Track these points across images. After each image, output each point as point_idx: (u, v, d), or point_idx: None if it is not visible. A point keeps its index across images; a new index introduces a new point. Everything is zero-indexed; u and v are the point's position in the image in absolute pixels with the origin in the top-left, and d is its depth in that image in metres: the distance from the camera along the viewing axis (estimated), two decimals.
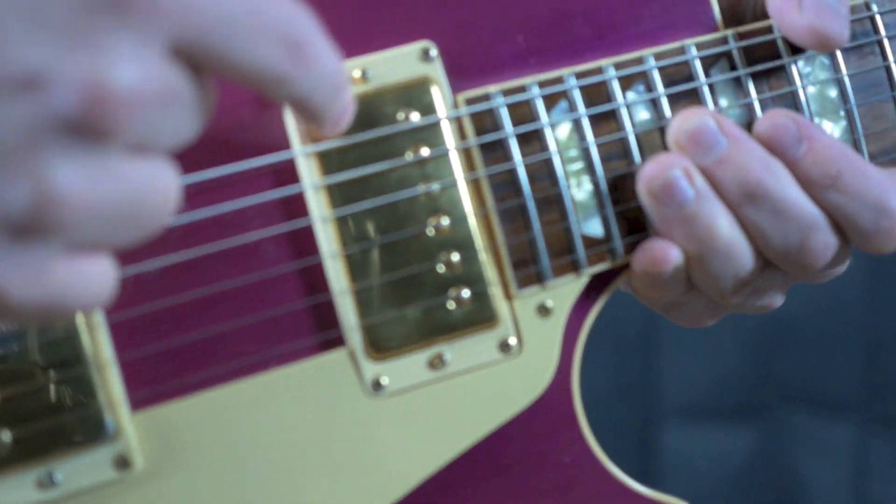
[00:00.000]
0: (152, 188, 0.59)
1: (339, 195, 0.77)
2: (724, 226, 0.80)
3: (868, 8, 0.86)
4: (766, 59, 0.84)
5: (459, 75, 0.80)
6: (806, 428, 1.55)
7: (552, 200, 0.80)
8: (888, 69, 0.86)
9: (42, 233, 0.56)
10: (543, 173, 0.80)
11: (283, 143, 0.77)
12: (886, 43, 0.86)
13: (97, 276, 0.59)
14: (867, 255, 0.87)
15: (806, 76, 0.85)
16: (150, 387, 0.75)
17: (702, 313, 0.93)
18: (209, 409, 0.76)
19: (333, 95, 0.66)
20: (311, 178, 0.77)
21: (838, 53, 0.85)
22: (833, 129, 0.85)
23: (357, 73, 0.78)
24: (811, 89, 0.85)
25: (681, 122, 0.80)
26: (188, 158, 0.75)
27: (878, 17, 0.86)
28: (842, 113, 0.85)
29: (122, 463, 0.74)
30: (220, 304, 0.76)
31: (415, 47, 0.79)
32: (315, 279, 0.78)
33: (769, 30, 0.84)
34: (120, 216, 0.58)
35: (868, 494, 1.56)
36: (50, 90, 0.55)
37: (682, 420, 1.54)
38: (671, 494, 1.62)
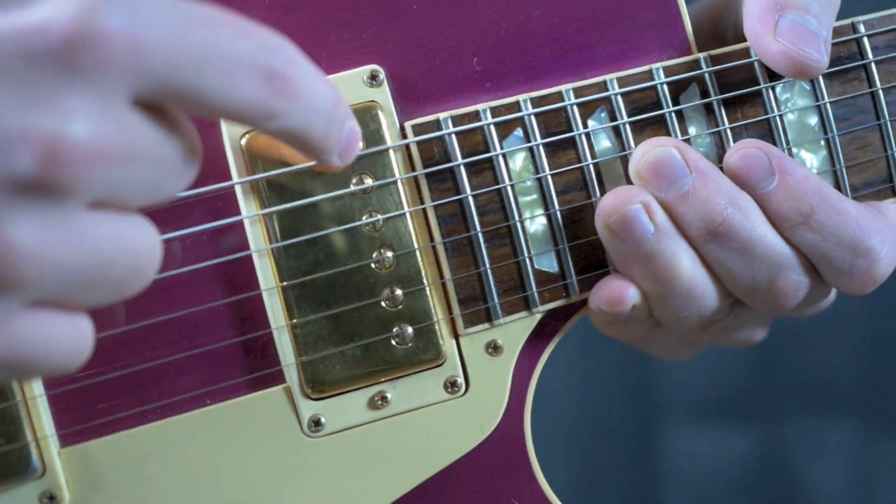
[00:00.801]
0: (122, 247, 0.58)
1: (278, 227, 0.74)
2: (686, 264, 0.75)
3: (854, 30, 0.80)
4: (741, 85, 0.79)
5: (409, 101, 0.76)
6: (807, 429, 1.52)
7: (503, 234, 0.76)
8: (874, 95, 0.80)
9: (1, 288, 0.55)
10: (495, 205, 0.76)
11: (225, 172, 0.74)
12: (874, 67, 0.80)
13: (65, 334, 0.58)
14: None
15: (784, 103, 0.79)
16: (80, 422, 0.73)
17: (675, 348, 0.89)
18: (141, 446, 0.74)
19: (330, 126, 0.63)
20: (249, 209, 0.74)
21: (820, 78, 0.79)
22: (812, 159, 0.80)
23: None
24: (790, 116, 0.79)
25: (643, 153, 0.76)
26: None
27: (865, 40, 0.80)
28: (822, 142, 0.80)
29: (50, 499, 0.72)
30: (154, 338, 0.74)
31: (361, 71, 0.75)
32: (253, 313, 0.75)
33: (746, 53, 0.79)
34: (85, 275, 0.57)
35: (870, 496, 1.52)
36: (3, 150, 0.53)
37: (681, 421, 1.52)
38: (671, 495, 1.59)
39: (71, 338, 0.58)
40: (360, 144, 0.73)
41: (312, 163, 0.73)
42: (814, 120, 0.80)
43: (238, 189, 0.74)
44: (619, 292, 0.76)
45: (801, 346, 1.43)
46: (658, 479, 1.52)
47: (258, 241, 0.74)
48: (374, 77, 0.75)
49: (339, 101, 0.64)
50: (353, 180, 0.75)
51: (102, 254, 0.57)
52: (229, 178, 0.74)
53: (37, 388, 0.72)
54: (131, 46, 0.55)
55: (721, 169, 0.77)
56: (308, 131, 0.63)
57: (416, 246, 0.75)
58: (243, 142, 0.74)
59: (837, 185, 0.80)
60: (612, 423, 1.53)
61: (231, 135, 0.74)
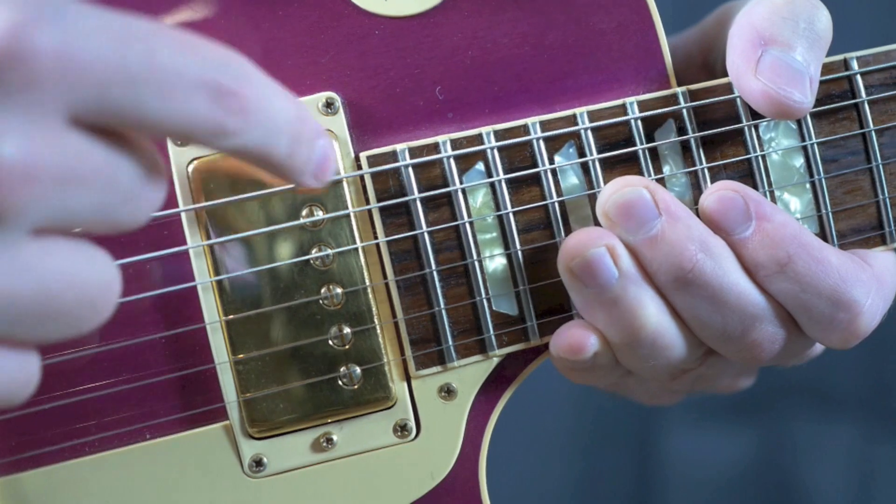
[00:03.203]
0: (70, 278, 0.54)
1: (224, 258, 0.71)
2: (652, 312, 0.71)
3: (847, 66, 0.75)
4: (722, 122, 0.74)
5: (366, 130, 0.73)
6: (807, 429, 1.48)
7: (460, 273, 0.73)
8: (866, 137, 0.75)
9: None
10: (452, 243, 0.72)
11: (171, 200, 0.71)
12: (866, 107, 0.75)
13: (8, 371, 0.55)
14: None
15: (767, 142, 0.75)
16: (15, 452, 0.71)
17: (654, 395, 0.85)
18: (77, 478, 0.71)
19: (295, 144, 0.60)
20: (194, 239, 0.71)
21: (807, 117, 0.75)
22: (796, 202, 0.75)
23: None
24: (773, 157, 0.75)
25: (611, 192, 0.71)
26: None
27: (857, 78, 0.75)
28: (807, 185, 0.75)
29: None
30: (94, 369, 0.71)
31: (316, 98, 0.72)
32: (196, 348, 0.72)
33: (728, 88, 0.74)
34: (28, 309, 0.53)
35: (870, 496, 1.48)
36: None
37: (681, 421, 1.49)
38: (671, 495, 1.55)
39: (14, 374, 0.55)
40: (337, 164, 0.69)
41: (263, 192, 0.71)
42: (799, 161, 0.75)
43: (184, 218, 0.71)
44: (579, 340, 0.71)
45: None
46: (658, 480, 1.49)
47: (203, 273, 0.71)
48: (329, 104, 0.72)
49: (305, 118, 0.61)
50: (304, 212, 0.72)
51: (47, 285, 0.54)
52: (175, 206, 0.71)
53: None
54: (64, 64, 0.52)
55: (696, 212, 0.72)
56: (269, 150, 0.59)
57: (366, 283, 0.72)
58: (190, 168, 0.71)
59: (823, 231, 0.75)
60: (613, 422, 1.50)
61: (178, 161, 0.71)
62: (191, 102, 0.55)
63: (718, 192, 0.72)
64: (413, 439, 0.73)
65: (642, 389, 0.84)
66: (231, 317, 0.71)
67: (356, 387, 0.72)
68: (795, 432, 1.48)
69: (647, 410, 1.50)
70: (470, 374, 0.73)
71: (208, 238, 0.71)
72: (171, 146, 0.71)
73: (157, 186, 0.57)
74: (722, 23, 0.78)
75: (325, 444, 0.72)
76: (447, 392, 0.73)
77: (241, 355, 0.71)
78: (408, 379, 0.73)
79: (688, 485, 1.49)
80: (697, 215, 0.72)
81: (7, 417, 0.71)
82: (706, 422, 1.49)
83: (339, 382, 0.72)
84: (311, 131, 0.62)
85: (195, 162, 0.71)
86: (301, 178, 0.62)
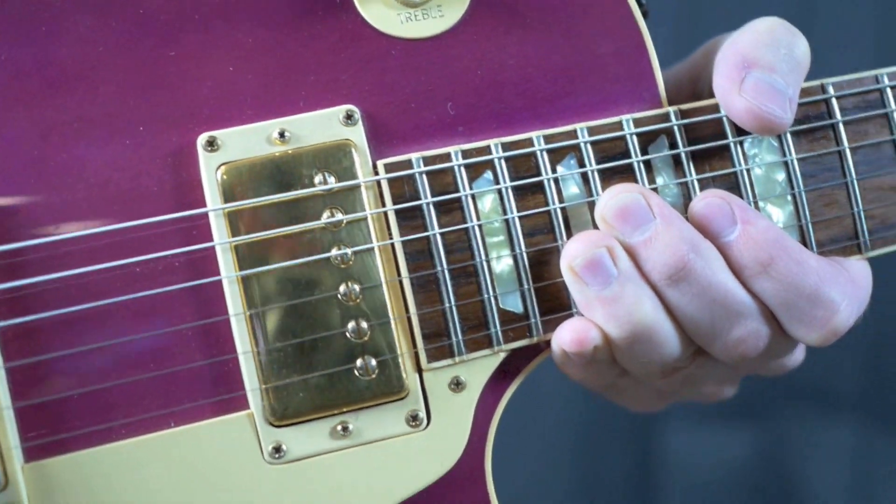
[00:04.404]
0: None
1: (248, 255, 0.76)
2: (648, 309, 0.76)
3: (823, 91, 0.82)
4: (710, 139, 0.81)
5: (383, 141, 0.79)
6: (807, 429, 1.51)
7: (469, 273, 0.78)
8: (842, 154, 0.82)
9: None
10: (462, 244, 0.78)
11: (200, 201, 0.77)
12: (841, 128, 0.82)
13: None
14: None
15: (752, 158, 0.81)
16: (45, 437, 0.75)
17: (645, 399, 0.90)
18: (103, 464, 0.75)
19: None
20: (221, 237, 0.76)
21: (788, 136, 0.81)
22: (778, 213, 0.81)
23: (275, 133, 0.77)
24: (757, 171, 0.81)
25: (609, 198, 0.77)
26: (99, 211, 0.76)
27: (833, 101, 0.82)
28: (788, 197, 0.81)
29: None
30: (121, 358, 0.76)
31: (338, 110, 0.78)
32: (220, 339, 0.76)
33: (716, 108, 0.81)
34: None
35: (870, 496, 1.50)
36: None
37: (681, 420, 1.51)
38: (671, 494, 1.55)
39: None
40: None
41: (287, 194, 0.76)
42: (781, 175, 0.81)
43: (211, 217, 0.76)
44: (580, 334, 0.77)
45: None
46: (658, 479, 1.51)
47: (228, 268, 0.76)
48: (349, 116, 0.78)
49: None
50: (325, 214, 0.77)
51: None
52: (204, 206, 0.76)
53: (3, 401, 0.73)
54: None
55: (686, 218, 0.78)
56: None
57: (382, 280, 0.77)
58: (219, 172, 0.76)
59: (803, 240, 0.81)
60: (613, 422, 1.51)
61: (208, 165, 0.76)
62: None
63: (707, 199, 0.78)
64: (424, 429, 0.78)
65: (633, 392, 0.89)
66: (254, 310, 0.76)
67: (372, 378, 0.77)
68: (795, 432, 1.50)
69: None
70: (478, 367, 0.78)
71: (234, 236, 0.76)
72: (201, 151, 0.76)
73: None
74: (708, 55, 0.85)
75: (341, 432, 0.77)
76: (456, 384, 0.78)
77: (263, 346, 0.76)
78: (419, 371, 0.78)
79: (688, 483, 1.50)
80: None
81: (36, 403, 0.74)
82: (706, 421, 1.49)
83: (356, 373, 0.77)
84: None
85: (223, 166, 0.76)
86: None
